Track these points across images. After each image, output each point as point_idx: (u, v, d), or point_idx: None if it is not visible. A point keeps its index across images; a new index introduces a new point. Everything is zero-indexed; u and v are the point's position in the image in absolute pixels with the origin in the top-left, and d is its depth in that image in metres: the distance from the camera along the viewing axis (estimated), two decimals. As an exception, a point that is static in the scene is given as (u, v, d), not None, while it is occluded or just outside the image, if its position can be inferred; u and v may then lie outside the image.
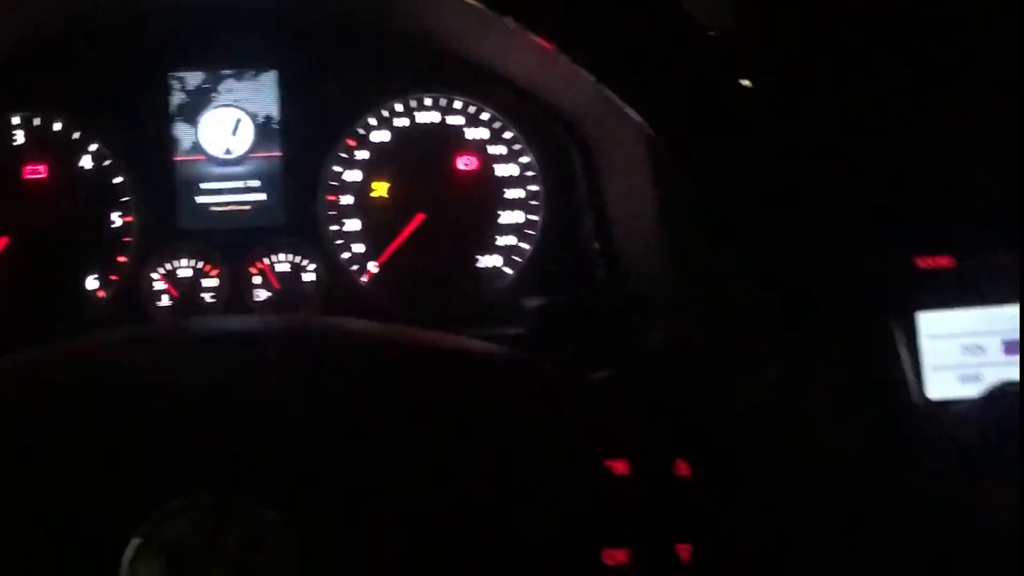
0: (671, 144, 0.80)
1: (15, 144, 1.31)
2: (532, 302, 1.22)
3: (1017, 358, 0.89)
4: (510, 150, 1.34)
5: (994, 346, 0.91)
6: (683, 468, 0.69)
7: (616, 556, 0.68)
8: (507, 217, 1.34)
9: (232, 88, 1.34)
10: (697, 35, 0.82)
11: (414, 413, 0.69)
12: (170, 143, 1.33)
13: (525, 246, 1.34)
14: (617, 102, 0.77)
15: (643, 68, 0.78)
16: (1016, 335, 0.91)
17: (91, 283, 1.32)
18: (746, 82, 0.84)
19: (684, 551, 0.68)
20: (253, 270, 1.34)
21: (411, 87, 1.34)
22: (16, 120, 1.31)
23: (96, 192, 1.32)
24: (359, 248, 1.34)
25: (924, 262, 0.90)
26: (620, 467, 0.69)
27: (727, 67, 0.82)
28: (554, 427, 0.70)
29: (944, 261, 0.91)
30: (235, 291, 1.33)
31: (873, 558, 0.72)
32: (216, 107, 1.34)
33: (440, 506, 0.67)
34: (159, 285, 1.33)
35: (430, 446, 0.68)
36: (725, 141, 0.79)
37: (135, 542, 0.63)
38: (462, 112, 1.34)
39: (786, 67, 0.92)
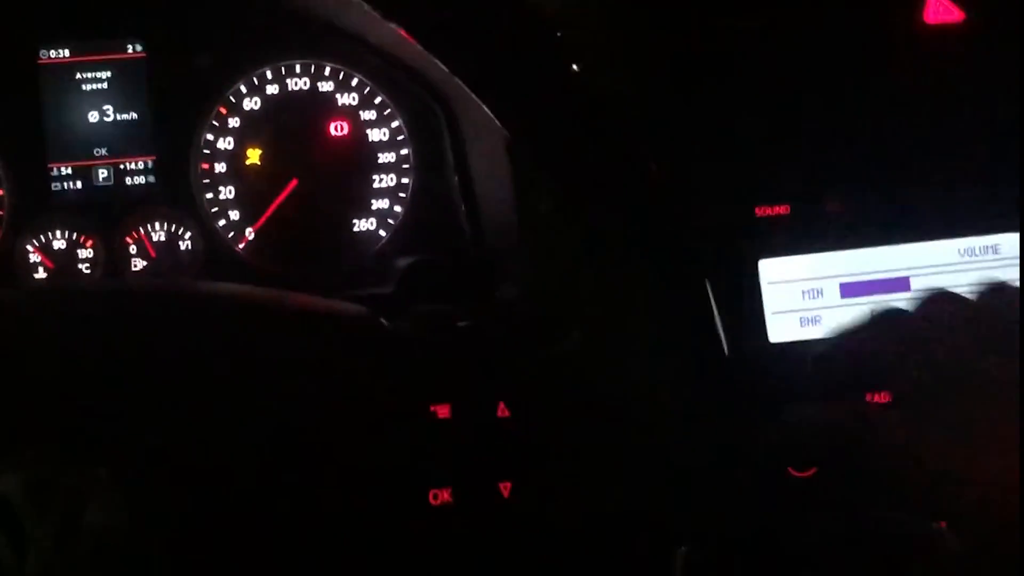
0: (516, 133, 0.84)
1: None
2: (402, 262, 1.25)
3: (853, 300, 0.94)
4: (380, 115, 1.36)
5: (832, 289, 0.95)
6: (503, 410, 0.73)
7: (440, 495, 0.72)
8: (380, 181, 1.37)
9: (101, 60, 1.35)
10: (544, 34, 0.85)
11: (241, 366, 0.71)
12: (39, 115, 1.33)
13: (398, 208, 1.37)
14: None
15: (492, 64, 0.81)
16: (852, 278, 0.95)
17: (-36, 252, 1.32)
18: (575, 67, 0.87)
19: (504, 488, 0.72)
20: (129, 240, 1.35)
21: (281, 54, 1.35)
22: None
23: (-35, 165, 1.32)
24: (234, 215, 1.36)
25: (763, 211, 0.94)
26: (443, 411, 0.72)
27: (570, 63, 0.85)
28: (380, 375, 0.73)
29: (781, 210, 0.94)
30: (111, 261, 1.34)
31: (689, 497, 0.77)
32: (86, 79, 1.34)
33: (268, 457, 0.70)
34: (34, 257, 1.33)
35: (257, 398, 0.70)
36: (566, 128, 0.82)
37: (-36, 500, 0.65)
38: (332, 78, 1.36)
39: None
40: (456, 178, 1.28)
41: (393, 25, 0.82)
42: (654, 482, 0.75)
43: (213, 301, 0.77)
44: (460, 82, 0.81)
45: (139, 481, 0.65)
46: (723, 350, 0.82)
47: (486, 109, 0.81)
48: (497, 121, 0.81)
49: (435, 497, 0.71)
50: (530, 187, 1.03)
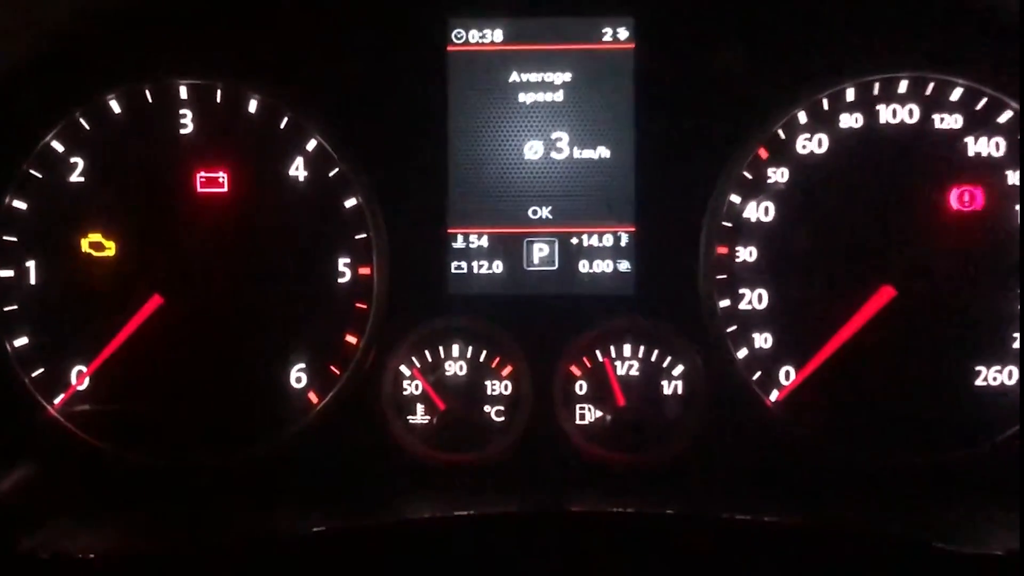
0: None
1: (183, 133, 0.76)
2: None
3: None
4: (1047, 181, 0.77)
5: None
6: None
7: None
8: (1034, 299, 0.77)
9: (554, 50, 0.80)
10: None
11: None
12: (440, 140, 0.78)
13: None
14: None
15: None
16: None
17: (296, 376, 0.78)
18: None
19: None
20: (575, 371, 0.79)
21: (872, 61, 0.78)
22: (184, 93, 0.76)
23: (311, 220, 0.79)
24: (764, 341, 0.78)
25: None
26: None
27: None
28: None
29: None
30: (540, 404, 0.79)
31: None
32: (525, 84, 0.81)
33: None
34: (411, 388, 0.78)
35: None
36: None
37: None
38: (960, 107, 0.77)
39: None
40: None
41: None
42: None
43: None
44: None
45: None
46: None
47: None
48: None
49: None
50: None
